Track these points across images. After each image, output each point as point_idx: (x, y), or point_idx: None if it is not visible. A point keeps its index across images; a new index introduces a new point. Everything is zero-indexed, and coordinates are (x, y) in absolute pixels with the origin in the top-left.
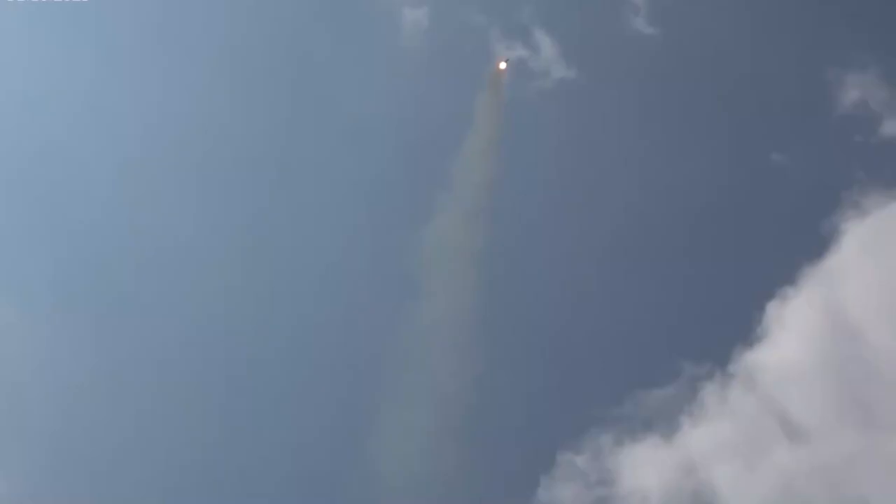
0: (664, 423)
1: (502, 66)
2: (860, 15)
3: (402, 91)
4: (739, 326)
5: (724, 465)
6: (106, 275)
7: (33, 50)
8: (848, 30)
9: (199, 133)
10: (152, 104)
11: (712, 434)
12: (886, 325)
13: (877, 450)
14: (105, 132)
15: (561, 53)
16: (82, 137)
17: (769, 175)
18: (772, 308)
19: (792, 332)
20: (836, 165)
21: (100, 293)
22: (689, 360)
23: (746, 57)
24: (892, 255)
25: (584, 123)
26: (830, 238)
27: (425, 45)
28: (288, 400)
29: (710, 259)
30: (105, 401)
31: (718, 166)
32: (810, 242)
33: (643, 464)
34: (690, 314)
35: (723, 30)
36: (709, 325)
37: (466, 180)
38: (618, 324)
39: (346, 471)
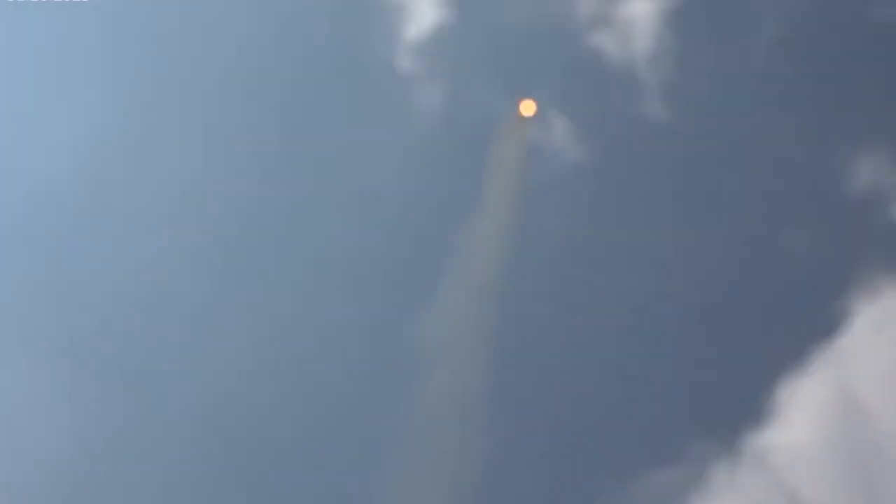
0: (672, 502)
1: (527, 110)
2: (873, 98)
3: (414, 171)
4: (749, 406)
5: None
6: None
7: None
8: (860, 112)
9: (205, 199)
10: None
11: None
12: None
13: None
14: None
15: (574, 135)
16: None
17: (781, 255)
18: (782, 388)
19: (802, 412)
20: (848, 247)
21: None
22: (698, 439)
23: (759, 139)
24: None
25: (596, 205)
26: (842, 319)
27: (438, 126)
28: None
29: (721, 338)
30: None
31: (730, 246)
32: (821, 323)
33: None
34: (700, 393)
35: (735, 112)
36: (718, 404)
37: (476, 259)
38: (626, 401)
39: None
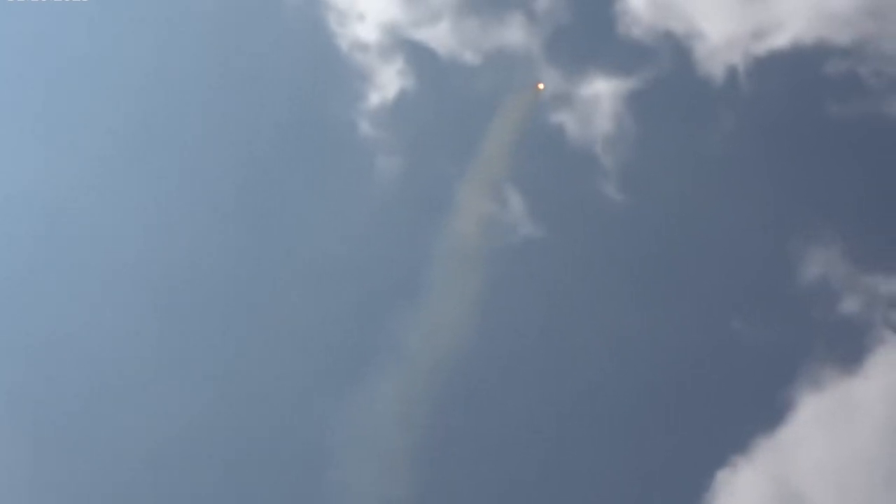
0: None
1: (540, 86)
2: (826, 192)
3: (372, 237)
4: (688, 493)
5: None
6: None
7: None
8: (813, 206)
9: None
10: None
11: None
12: (834, 502)
13: None
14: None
15: (530, 211)
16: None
17: (728, 343)
18: (721, 476)
19: (740, 502)
20: (795, 338)
21: None
22: None
23: (712, 226)
24: (846, 432)
25: (548, 281)
26: (785, 409)
27: (397, 193)
28: None
29: (664, 422)
30: None
31: (679, 332)
32: (765, 412)
33: None
34: (638, 476)
35: (689, 199)
36: (657, 489)
37: (433, 327)
38: (565, 485)
39: None
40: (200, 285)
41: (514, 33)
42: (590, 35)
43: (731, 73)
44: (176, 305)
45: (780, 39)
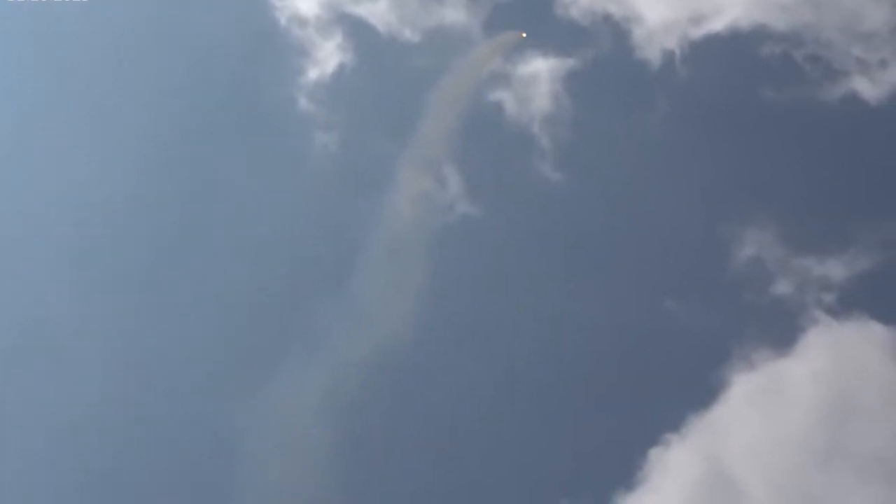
0: None
1: (523, 35)
2: (761, 176)
3: (309, 213)
4: (621, 470)
5: None
6: None
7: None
8: (748, 189)
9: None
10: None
11: None
12: (765, 481)
13: None
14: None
15: (467, 189)
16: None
17: (662, 322)
18: (654, 454)
19: (672, 480)
20: (728, 318)
21: None
22: (568, 500)
23: (647, 207)
24: (778, 412)
25: (483, 260)
26: (718, 389)
27: (334, 169)
28: None
29: (598, 400)
30: None
31: (613, 312)
32: (697, 392)
33: None
34: (572, 453)
35: (625, 180)
36: (590, 466)
37: (368, 304)
38: (498, 459)
39: None
40: (126, 259)
41: (454, 11)
42: (528, 15)
43: (669, 56)
44: (96, 279)
45: (718, 24)
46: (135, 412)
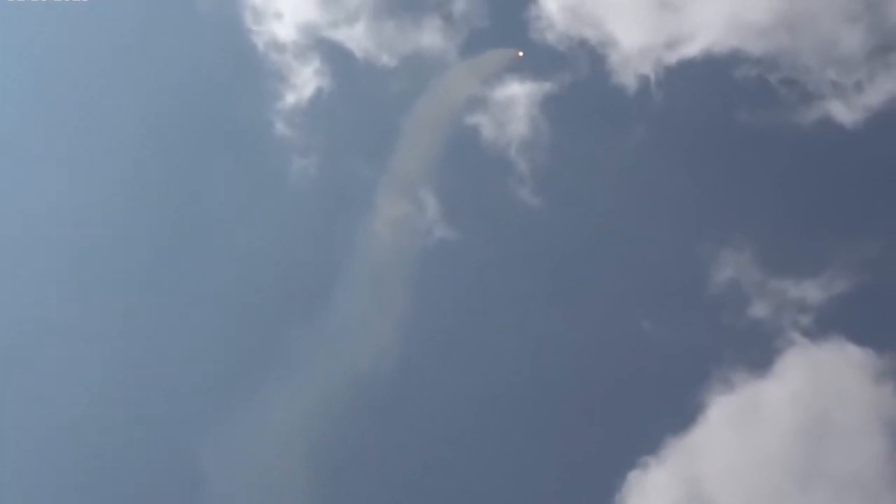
0: None
1: (520, 54)
2: (739, 197)
3: (287, 237)
4: (599, 492)
5: None
6: None
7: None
8: (727, 210)
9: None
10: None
11: None
12: (743, 503)
13: None
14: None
15: (445, 214)
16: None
17: (640, 344)
18: (632, 477)
19: (651, 502)
20: (706, 340)
21: None
22: None
23: (624, 230)
24: (755, 433)
25: (462, 283)
26: (696, 411)
27: (312, 193)
28: None
29: (576, 423)
30: None
31: (591, 333)
32: (675, 414)
33: None
34: (551, 476)
35: (603, 202)
36: (569, 489)
37: (344, 332)
38: (477, 485)
39: None
40: (102, 281)
41: (430, 36)
42: (505, 39)
43: (644, 80)
44: (73, 299)
45: (693, 49)
46: (109, 436)
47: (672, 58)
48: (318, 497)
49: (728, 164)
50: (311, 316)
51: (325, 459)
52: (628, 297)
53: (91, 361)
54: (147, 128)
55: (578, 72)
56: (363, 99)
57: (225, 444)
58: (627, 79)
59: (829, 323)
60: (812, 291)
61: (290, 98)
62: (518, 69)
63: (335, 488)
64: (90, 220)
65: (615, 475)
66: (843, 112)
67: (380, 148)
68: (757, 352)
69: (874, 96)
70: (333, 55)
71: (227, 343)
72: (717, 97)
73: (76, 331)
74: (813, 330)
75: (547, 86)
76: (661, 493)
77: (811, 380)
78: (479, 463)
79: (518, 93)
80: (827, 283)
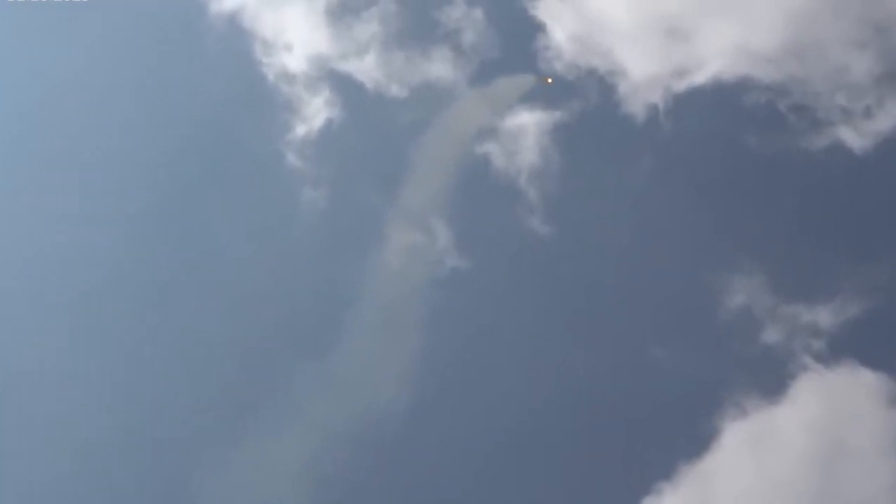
0: None
1: (549, 80)
2: (750, 224)
3: (298, 266)
4: None
5: None
6: None
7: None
8: (738, 237)
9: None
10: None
11: None
12: None
13: None
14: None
15: (455, 243)
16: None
17: (653, 373)
18: (647, 503)
19: None
20: (718, 367)
21: None
22: None
23: (635, 258)
24: (769, 459)
25: (473, 312)
26: (709, 437)
27: (322, 224)
28: None
29: (590, 450)
30: None
31: (603, 362)
32: (689, 440)
33: None
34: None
35: (613, 230)
36: None
37: (354, 362)
38: None
39: None
40: (105, 310)
41: (440, 67)
42: (514, 69)
43: (653, 108)
44: (78, 331)
45: (701, 77)
46: (110, 468)
47: (681, 86)
48: None
49: (738, 191)
50: (320, 348)
51: (332, 501)
52: (640, 324)
53: (95, 389)
54: (156, 162)
55: (588, 101)
56: (373, 129)
57: (227, 482)
58: (637, 107)
59: (842, 347)
60: (824, 316)
61: (301, 129)
62: (528, 98)
63: None
64: (94, 242)
65: (630, 502)
66: (853, 137)
67: (390, 178)
68: (770, 377)
69: (884, 121)
70: (343, 86)
71: (233, 378)
72: (727, 124)
73: (79, 362)
74: (826, 355)
75: (557, 115)
76: None
77: (824, 405)
78: (492, 492)
79: (528, 122)
80: (839, 307)
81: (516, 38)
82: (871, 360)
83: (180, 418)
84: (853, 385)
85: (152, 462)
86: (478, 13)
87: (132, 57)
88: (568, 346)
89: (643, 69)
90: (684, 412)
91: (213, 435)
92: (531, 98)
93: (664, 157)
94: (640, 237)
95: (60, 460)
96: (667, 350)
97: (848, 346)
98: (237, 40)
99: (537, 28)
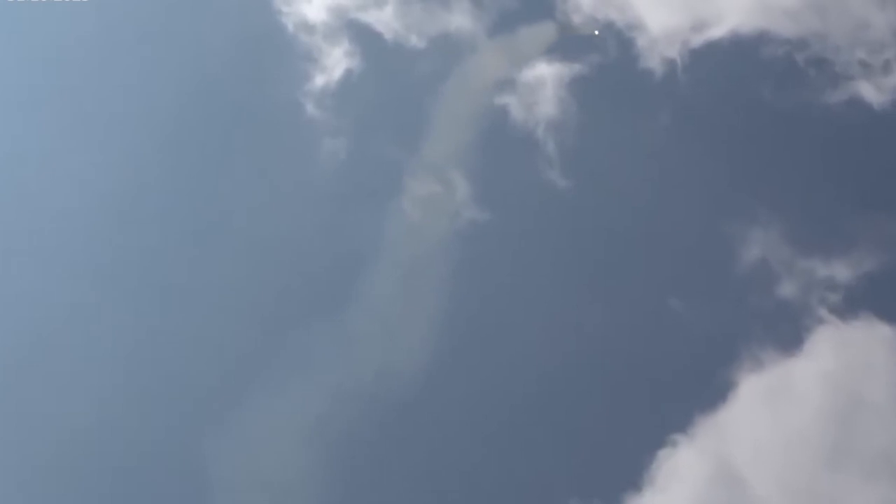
0: None
1: (596, 32)
2: (767, 177)
3: (317, 217)
4: (628, 471)
5: None
6: None
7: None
8: (755, 190)
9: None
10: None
11: None
12: (774, 481)
13: None
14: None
15: (474, 195)
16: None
17: (669, 325)
18: (662, 455)
19: (680, 481)
20: (735, 319)
21: None
22: (577, 500)
23: (653, 210)
24: (786, 412)
25: (490, 264)
26: (725, 390)
27: (341, 175)
28: None
29: (606, 401)
30: None
31: (620, 312)
32: (705, 393)
33: None
34: (581, 454)
35: (631, 182)
36: (599, 467)
37: (374, 311)
38: (508, 460)
39: None
40: (122, 263)
41: (459, 18)
42: (533, 20)
43: (671, 62)
44: (93, 285)
45: (720, 31)
46: (120, 434)
47: (699, 40)
48: (335, 499)
49: (756, 145)
50: (337, 301)
51: (345, 462)
52: (657, 276)
53: (108, 351)
54: (175, 111)
55: (606, 54)
56: (393, 80)
57: (240, 442)
58: (654, 61)
59: (859, 301)
60: (841, 270)
61: (320, 79)
62: (546, 50)
63: (352, 491)
64: (115, 207)
65: (645, 453)
66: (872, 92)
67: (409, 129)
68: (786, 330)
69: None
70: (363, 37)
71: (245, 333)
72: (745, 78)
73: (92, 319)
74: (842, 308)
75: (575, 67)
76: (690, 472)
77: (841, 358)
78: (510, 441)
79: (546, 74)
80: (855, 261)
81: None
82: (888, 313)
83: (191, 375)
84: (869, 338)
85: (163, 419)
86: None
87: (151, 7)
88: (585, 298)
89: (661, 22)
90: (701, 364)
91: (223, 392)
92: (549, 50)
93: (682, 111)
94: (657, 190)
95: (75, 413)
96: (684, 302)
97: (864, 300)
98: None
99: None
